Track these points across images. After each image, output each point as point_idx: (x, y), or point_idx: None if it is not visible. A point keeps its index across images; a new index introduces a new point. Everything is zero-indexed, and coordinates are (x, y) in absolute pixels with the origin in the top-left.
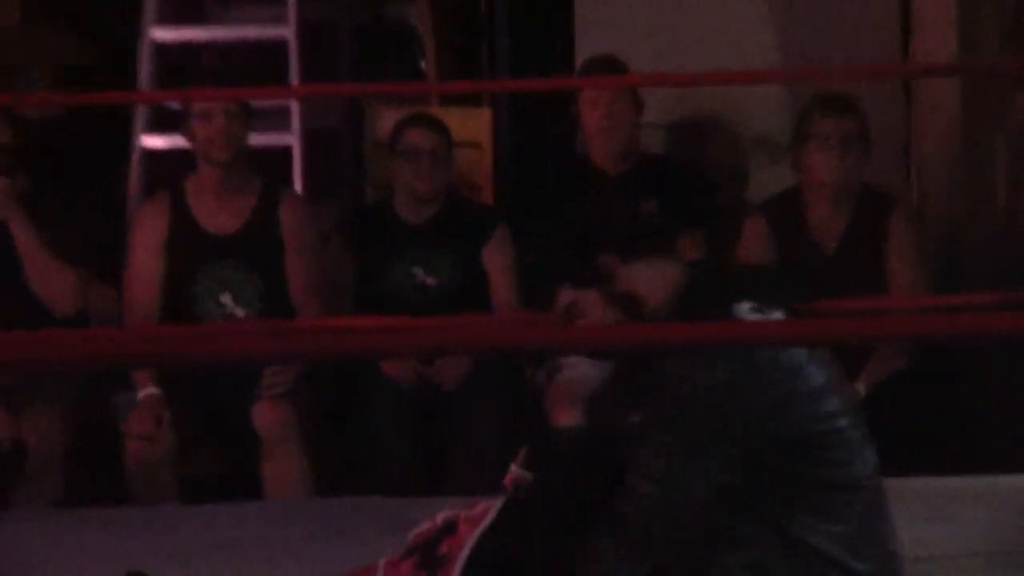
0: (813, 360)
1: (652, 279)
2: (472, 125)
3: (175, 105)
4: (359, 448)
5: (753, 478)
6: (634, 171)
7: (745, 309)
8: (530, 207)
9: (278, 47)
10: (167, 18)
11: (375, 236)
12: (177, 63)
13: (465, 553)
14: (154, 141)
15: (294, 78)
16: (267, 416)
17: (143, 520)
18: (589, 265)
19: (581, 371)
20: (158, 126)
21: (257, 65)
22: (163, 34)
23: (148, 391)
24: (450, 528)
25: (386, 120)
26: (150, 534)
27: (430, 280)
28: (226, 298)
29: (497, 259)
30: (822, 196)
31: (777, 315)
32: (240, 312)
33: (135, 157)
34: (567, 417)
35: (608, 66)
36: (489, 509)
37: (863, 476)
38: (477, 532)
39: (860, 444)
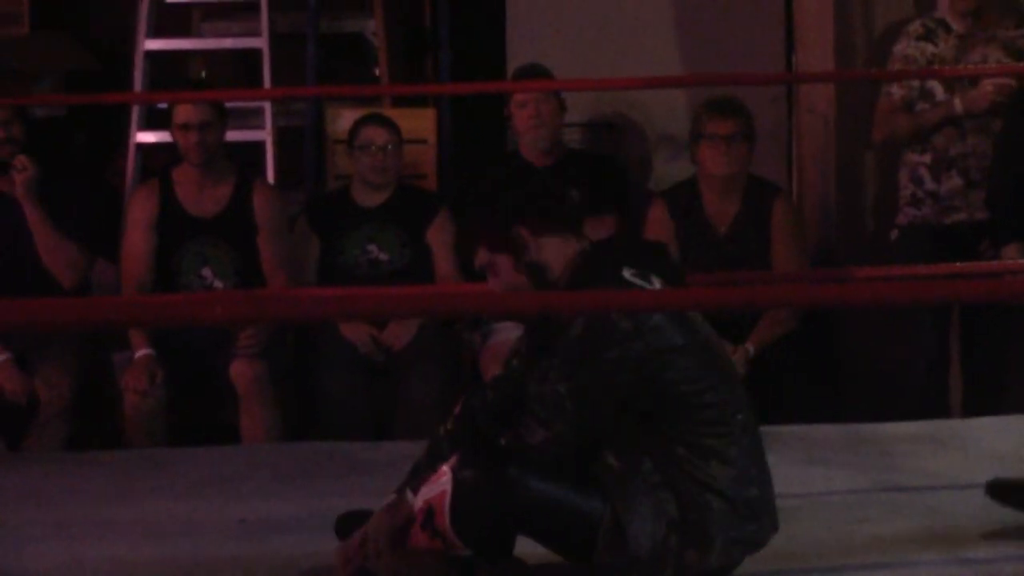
0: (674, 324)
1: (557, 251)
2: (419, 123)
3: (164, 105)
4: (320, 400)
5: (634, 414)
6: (558, 164)
7: (628, 274)
8: (468, 194)
9: (253, 55)
10: (157, 30)
11: (335, 219)
12: (166, 69)
13: (449, 526)
14: (146, 136)
15: (266, 82)
16: (243, 372)
17: (138, 462)
18: (506, 233)
19: (509, 335)
20: (150, 124)
21: (235, 70)
22: (154, 44)
23: (142, 352)
24: (430, 512)
25: (345, 119)
26: (142, 474)
27: (382, 256)
28: (207, 271)
29: (439, 238)
30: (714, 185)
31: (656, 281)
32: (219, 283)
33: (130, 150)
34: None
35: (535, 72)
36: (445, 491)
37: (738, 416)
38: (447, 518)
39: (733, 389)
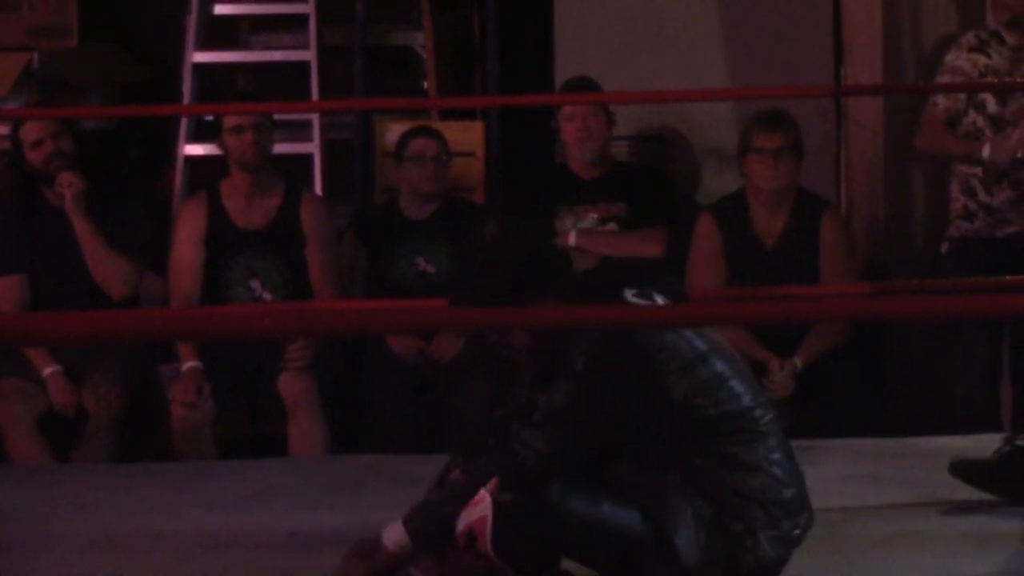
0: (684, 337)
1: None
2: (467, 136)
3: (212, 118)
4: (368, 413)
5: (651, 427)
6: (605, 177)
7: (629, 294)
8: (516, 207)
9: (301, 68)
10: (206, 42)
11: (383, 231)
12: (214, 82)
13: (491, 550)
14: (194, 149)
15: (314, 95)
16: (291, 385)
17: (185, 474)
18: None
19: None
20: (198, 136)
21: (283, 83)
22: (202, 56)
23: (190, 364)
24: (472, 536)
25: (393, 132)
26: (191, 486)
27: (430, 268)
28: (255, 283)
29: None
30: (762, 199)
31: (660, 299)
32: (267, 296)
33: (178, 163)
34: None
35: (583, 85)
36: (486, 516)
37: (760, 421)
38: (489, 541)
39: (751, 394)
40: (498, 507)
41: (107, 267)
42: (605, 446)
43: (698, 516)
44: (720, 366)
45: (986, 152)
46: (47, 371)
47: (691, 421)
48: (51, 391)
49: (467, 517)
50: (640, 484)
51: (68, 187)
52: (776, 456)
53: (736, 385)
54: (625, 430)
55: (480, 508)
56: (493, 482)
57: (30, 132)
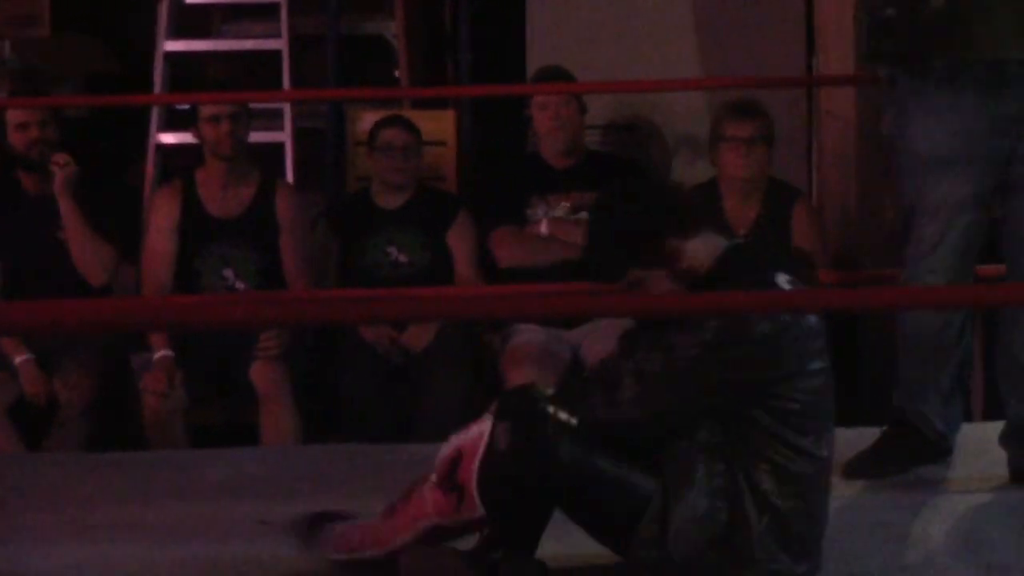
0: (808, 345)
1: (703, 250)
2: (439, 126)
3: (185, 107)
4: (341, 402)
5: (736, 416)
6: (578, 166)
7: (783, 280)
8: (487, 196)
9: (273, 57)
10: (178, 31)
11: (355, 220)
12: (186, 71)
13: (474, 480)
14: (166, 138)
15: (286, 84)
16: (263, 374)
17: (157, 463)
18: (657, 247)
19: (530, 336)
20: (170, 125)
21: (254, 72)
22: (174, 45)
23: (162, 353)
24: (456, 460)
25: (365, 121)
26: (163, 475)
27: (402, 258)
28: (228, 273)
29: (460, 240)
30: (734, 188)
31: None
32: (240, 285)
33: (150, 152)
34: (519, 375)
35: (556, 75)
36: (481, 437)
37: (821, 452)
38: (476, 463)
39: (827, 421)
40: (495, 433)
41: (90, 252)
42: (684, 413)
43: (710, 517)
44: (824, 384)
45: None
46: (19, 359)
47: (779, 425)
48: (22, 380)
49: (458, 440)
50: (681, 457)
51: (63, 167)
52: (822, 493)
53: (826, 411)
54: (715, 409)
55: (476, 429)
56: (494, 406)
57: (16, 114)
